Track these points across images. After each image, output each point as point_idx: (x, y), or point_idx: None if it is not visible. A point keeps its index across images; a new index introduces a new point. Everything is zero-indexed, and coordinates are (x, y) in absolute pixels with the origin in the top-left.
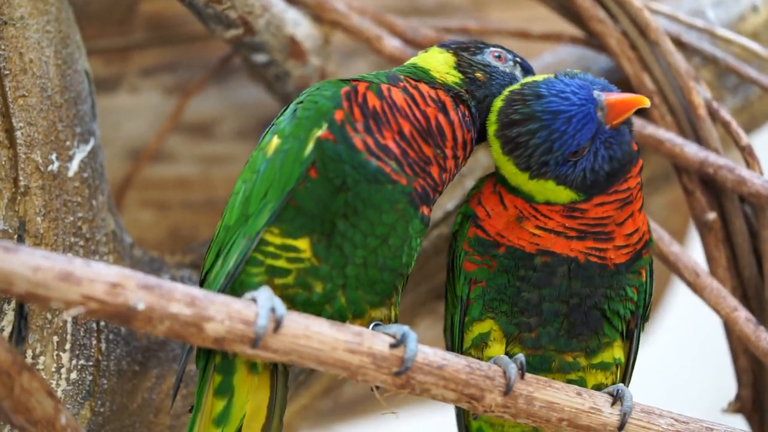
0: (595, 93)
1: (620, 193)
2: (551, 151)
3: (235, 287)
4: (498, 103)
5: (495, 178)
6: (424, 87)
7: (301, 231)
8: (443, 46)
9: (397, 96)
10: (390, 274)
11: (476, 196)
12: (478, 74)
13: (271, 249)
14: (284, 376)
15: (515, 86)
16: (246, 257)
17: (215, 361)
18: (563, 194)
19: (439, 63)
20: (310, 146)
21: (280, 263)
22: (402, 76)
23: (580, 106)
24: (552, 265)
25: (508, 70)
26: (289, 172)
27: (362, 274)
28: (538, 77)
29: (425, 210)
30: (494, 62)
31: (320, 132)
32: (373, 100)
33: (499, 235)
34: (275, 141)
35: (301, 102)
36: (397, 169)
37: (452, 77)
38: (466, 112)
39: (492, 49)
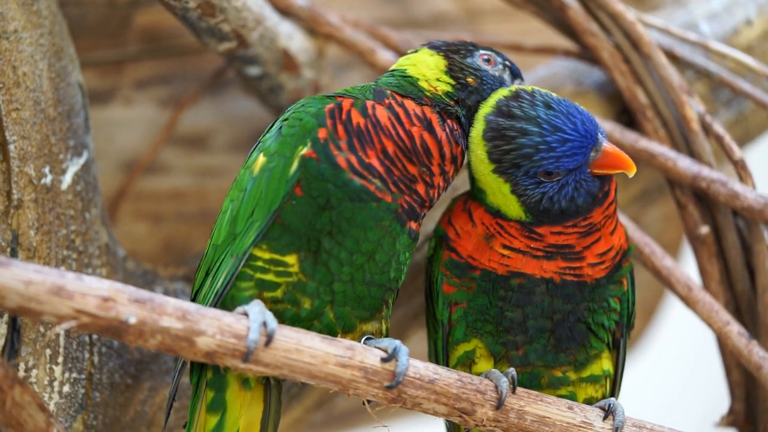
0: (600, 135)
1: (579, 227)
2: (530, 159)
3: (226, 302)
4: (497, 94)
5: (466, 197)
6: (410, 104)
7: (288, 248)
8: (433, 47)
9: (381, 114)
10: (378, 290)
11: (447, 215)
12: (469, 79)
13: (259, 263)
14: (277, 390)
15: (526, 87)
16: (234, 276)
17: (207, 377)
18: (513, 206)
19: (429, 68)
20: (295, 164)
21: (269, 277)
22: (389, 92)
23: (581, 137)
24: (527, 286)
25: (497, 74)
26: (275, 191)
27: (349, 290)
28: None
29: (413, 225)
30: (484, 66)
31: (305, 150)
32: (357, 118)
33: (471, 258)
34: (261, 159)
35: (286, 119)
36: (381, 187)
37: (443, 85)
38: (455, 125)
39: (482, 51)
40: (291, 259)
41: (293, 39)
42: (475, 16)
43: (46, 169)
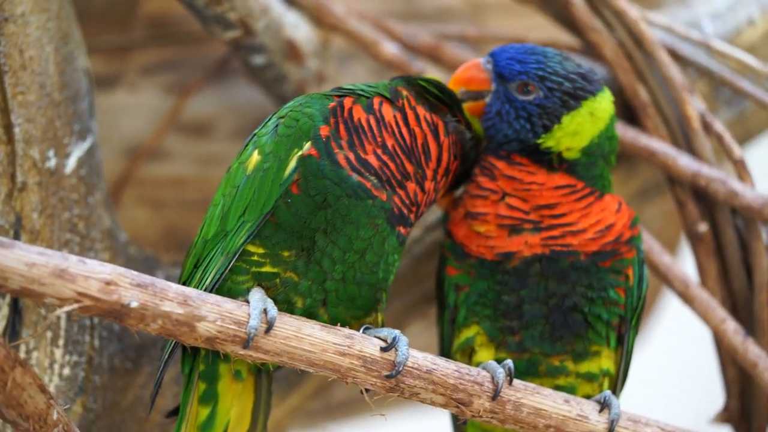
0: (518, 77)
1: (518, 171)
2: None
3: (223, 295)
4: None
5: None
6: (421, 110)
7: (280, 246)
8: None
9: (387, 112)
10: (368, 289)
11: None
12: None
13: (255, 258)
14: (268, 381)
15: None
16: (223, 275)
17: (199, 368)
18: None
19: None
20: (290, 167)
21: (266, 269)
22: (405, 93)
23: (518, 60)
24: (522, 268)
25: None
26: (267, 193)
27: (341, 289)
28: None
29: (402, 230)
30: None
31: (301, 152)
32: (359, 114)
33: (464, 245)
34: (255, 157)
35: (282, 116)
36: (377, 184)
37: (475, 122)
38: (456, 141)
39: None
40: (285, 253)
41: (299, 29)
42: (480, 11)
43: (51, 153)
